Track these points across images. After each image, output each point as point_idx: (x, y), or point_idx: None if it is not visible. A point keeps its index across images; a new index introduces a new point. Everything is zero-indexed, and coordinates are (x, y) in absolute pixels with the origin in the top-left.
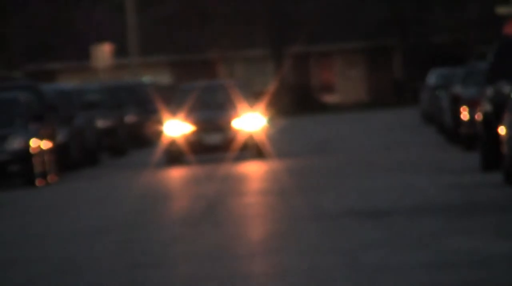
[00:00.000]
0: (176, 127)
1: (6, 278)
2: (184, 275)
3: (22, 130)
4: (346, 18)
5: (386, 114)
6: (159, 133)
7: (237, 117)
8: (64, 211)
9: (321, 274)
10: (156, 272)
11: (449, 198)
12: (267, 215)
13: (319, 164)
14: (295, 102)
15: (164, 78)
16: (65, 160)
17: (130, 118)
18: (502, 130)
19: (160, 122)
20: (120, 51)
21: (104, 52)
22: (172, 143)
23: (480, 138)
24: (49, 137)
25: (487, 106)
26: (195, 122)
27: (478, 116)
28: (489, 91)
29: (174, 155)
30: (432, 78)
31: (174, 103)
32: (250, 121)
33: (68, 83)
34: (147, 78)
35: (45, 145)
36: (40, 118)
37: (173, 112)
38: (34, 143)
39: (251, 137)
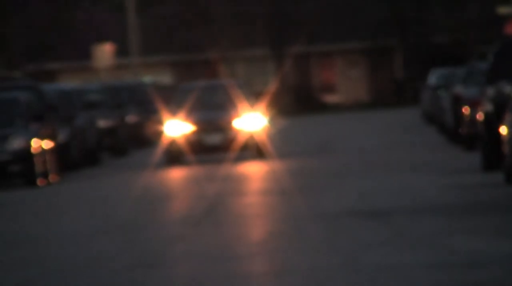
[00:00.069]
0: (176, 127)
1: (6, 278)
2: (184, 275)
3: (22, 130)
4: (347, 18)
5: (386, 114)
6: (159, 134)
7: (238, 117)
8: (65, 211)
9: (321, 274)
10: (156, 272)
11: (450, 198)
12: (267, 215)
13: (319, 164)
14: (296, 102)
15: (164, 78)
16: (66, 160)
17: (130, 118)
18: (503, 130)
19: (160, 122)
20: (121, 51)
21: (105, 52)
22: (172, 143)
23: (481, 138)
24: (50, 137)
25: (488, 106)
26: (196, 122)
27: (479, 116)
28: (490, 91)
29: (174, 155)
30: (432, 78)
31: (174, 103)
32: (251, 121)
33: (68, 83)
34: (148, 78)
35: (46, 144)
36: (40, 119)
37: (173, 112)
38: (34, 143)
39: (251, 137)
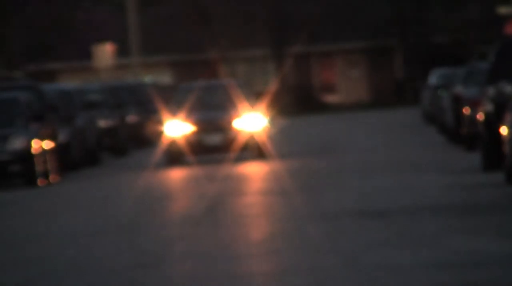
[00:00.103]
0: (176, 128)
1: (6, 278)
2: (184, 275)
3: (22, 130)
4: (347, 18)
5: (387, 114)
6: (159, 134)
7: (238, 118)
8: (65, 211)
9: (321, 274)
10: (156, 272)
11: (450, 198)
12: (268, 215)
13: (319, 164)
14: (296, 102)
15: (165, 78)
16: (66, 160)
17: (131, 118)
18: (503, 130)
19: (160, 122)
20: (121, 51)
21: (105, 52)
22: (172, 144)
23: (481, 138)
24: (50, 137)
25: (489, 106)
26: (196, 122)
27: (480, 116)
28: (491, 91)
29: (174, 156)
30: (433, 78)
31: (174, 103)
32: (251, 121)
33: (68, 83)
34: (148, 78)
35: (46, 145)
36: (41, 119)
37: (173, 112)
38: (35, 143)
39: (252, 137)
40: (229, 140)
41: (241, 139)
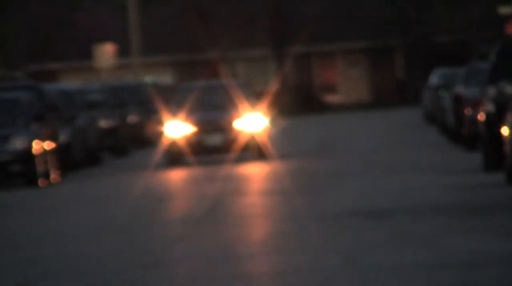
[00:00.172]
0: (176, 128)
1: (6, 278)
2: (184, 275)
3: (23, 130)
4: (348, 18)
5: (388, 114)
6: (160, 134)
7: (239, 118)
8: (65, 211)
9: (322, 274)
10: (157, 272)
11: (451, 198)
12: (268, 215)
13: (320, 164)
14: (297, 102)
15: (165, 78)
16: (67, 160)
17: (131, 118)
18: (504, 130)
19: (161, 122)
20: (122, 51)
21: (106, 52)
22: (172, 144)
23: (482, 139)
24: (51, 137)
25: (490, 107)
26: (196, 123)
27: (481, 117)
28: (492, 91)
29: (174, 156)
30: (434, 78)
31: (174, 104)
32: (252, 121)
33: (69, 83)
34: (149, 78)
35: (47, 145)
36: (41, 119)
37: (173, 112)
38: (35, 143)
39: (252, 138)
40: (229, 141)
41: (242, 139)
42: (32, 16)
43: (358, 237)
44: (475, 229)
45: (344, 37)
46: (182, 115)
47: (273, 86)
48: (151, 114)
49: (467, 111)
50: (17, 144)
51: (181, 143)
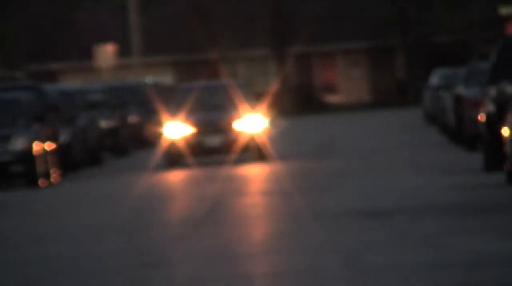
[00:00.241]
0: (175, 129)
1: (6, 278)
2: (184, 275)
3: (24, 130)
4: (348, 18)
5: (388, 115)
6: (160, 134)
7: (238, 119)
8: (66, 211)
9: (322, 274)
10: (157, 272)
11: (451, 198)
12: (268, 215)
13: (320, 164)
14: (297, 103)
15: (166, 78)
16: (67, 160)
17: (132, 118)
18: (505, 131)
19: (161, 123)
20: (122, 51)
21: (107, 52)
22: (172, 145)
23: (482, 139)
24: (51, 137)
25: (490, 107)
26: (195, 123)
27: (481, 117)
28: (492, 91)
29: (174, 158)
30: (435, 78)
31: (174, 104)
32: (252, 122)
33: (70, 83)
34: (149, 78)
35: (47, 145)
36: (42, 119)
37: (173, 113)
38: (36, 143)
39: (252, 139)
40: (229, 142)
41: (242, 140)
42: (32, 16)
43: (358, 237)
44: (475, 229)
45: (344, 37)
46: (181, 116)
47: (273, 86)
48: (151, 115)
49: (468, 111)
50: (18, 144)
51: (181, 144)
